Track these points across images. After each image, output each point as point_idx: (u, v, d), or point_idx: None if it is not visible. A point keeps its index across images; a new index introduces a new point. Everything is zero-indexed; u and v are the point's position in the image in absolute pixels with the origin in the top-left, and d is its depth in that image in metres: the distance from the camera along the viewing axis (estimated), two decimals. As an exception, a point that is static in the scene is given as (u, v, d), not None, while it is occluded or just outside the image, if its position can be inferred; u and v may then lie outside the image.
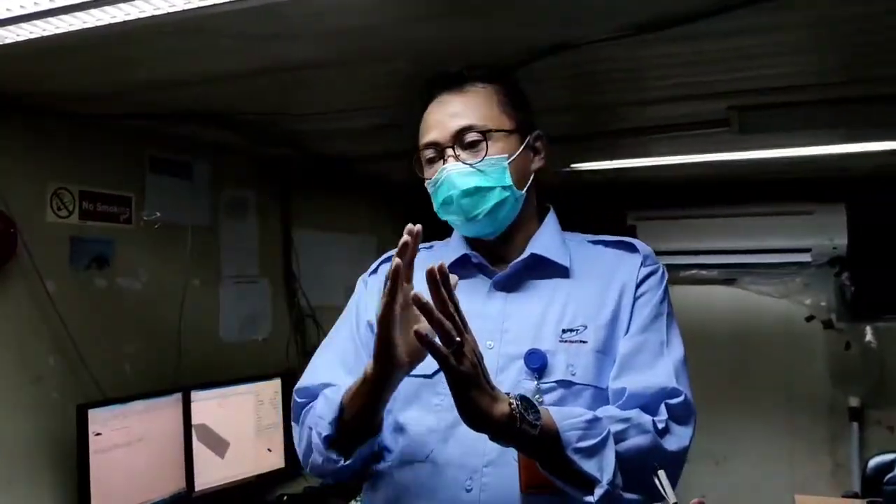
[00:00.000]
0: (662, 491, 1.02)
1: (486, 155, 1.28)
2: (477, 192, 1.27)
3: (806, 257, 3.64)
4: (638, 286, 1.30)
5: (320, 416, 1.24)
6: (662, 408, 1.20)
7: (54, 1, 1.36)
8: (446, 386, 1.22)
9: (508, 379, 1.23)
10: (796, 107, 2.18)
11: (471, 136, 1.29)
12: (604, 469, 1.09)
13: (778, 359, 3.76)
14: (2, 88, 2.01)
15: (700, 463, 3.88)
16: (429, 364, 1.25)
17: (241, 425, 2.64)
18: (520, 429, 1.03)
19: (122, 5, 1.38)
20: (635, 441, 1.14)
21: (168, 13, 1.40)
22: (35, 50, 1.59)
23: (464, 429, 1.18)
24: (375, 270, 1.47)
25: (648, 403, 1.20)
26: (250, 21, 1.49)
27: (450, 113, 1.31)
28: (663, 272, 1.34)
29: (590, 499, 1.08)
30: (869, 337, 3.59)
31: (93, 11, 1.41)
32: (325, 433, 1.22)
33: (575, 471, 1.08)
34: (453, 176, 1.27)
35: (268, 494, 2.76)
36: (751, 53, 1.75)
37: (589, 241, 1.40)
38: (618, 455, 1.10)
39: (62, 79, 1.92)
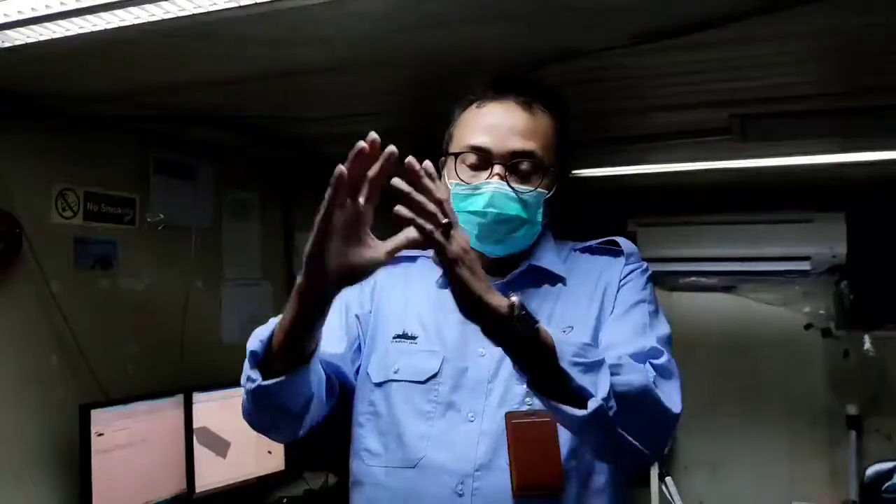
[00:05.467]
0: (669, 497, 1.02)
1: (536, 188, 1.25)
2: (511, 220, 1.24)
3: (805, 265, 3.65)
4: (620, 280, 1.30)
5: (255, 334, 1.16)
6: (648, 365, 1.15)
7: (64, 4, 1.37)
8: (439, 393, 1.24)
9: (500, 383, 1.23)
10: (798, 116, 2.19)
11: (527, 164, 1.24)
12: (598, 386, 1.05)
13: (777, 366, 3.77)
14: (8, 89, 2.02)
15: (698, 469, 3.88)
16: (421, 370, 1.27)
17: (241, 427, 2.61)
18: (516, 325, 1.00)
19: (131, 9, 1.39)
20: (629, 377, 1.09)
21: (177, 17, 1.41)
22: (43, 52, 1.60)
23: (455, 435, 1.21)
24: None
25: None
26: (258, 27, 1.50)
27: (514, 128, 1.25)
28: (646, 267, 1.34)
29: (581, 412, 1.03)
30: (867, 345, 3.59)
31: (102, 15, 1.42)
32: (251, 348, 1.14)
33: (567, 387, 1.04)
34: (496, 196, 1.22)
35: (268, 497, 2.77)
36: (753, 63, 1.76)
37: (577, 250, 1.39)
38: (612, 385, 1.06)
39: (69, 81, 1.93)
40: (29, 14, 1.41)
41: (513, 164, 1.24)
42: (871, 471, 2.84)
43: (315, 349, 1.13)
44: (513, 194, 1.23)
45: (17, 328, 2.15)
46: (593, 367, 1.06)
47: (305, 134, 2.63)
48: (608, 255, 1.35)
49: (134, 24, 1.44)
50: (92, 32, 1.49)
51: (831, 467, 3.68)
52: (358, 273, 1.02)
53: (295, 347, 1.10)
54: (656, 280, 1.37)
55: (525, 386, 1.16)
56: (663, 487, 1.04)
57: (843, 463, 3.65)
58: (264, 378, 1.11)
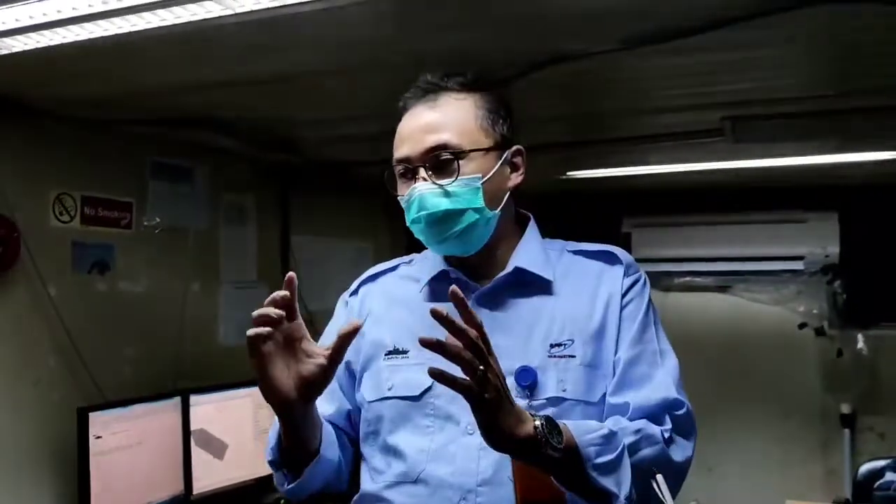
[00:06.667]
0: (661, 496, 1.03)
1: (457, 176, 1.21)
2: (445, 216, 1.21)
3: (799, 265, 3.68)
4: (623, 296, 1.28)
5: (269, 440, 1.27)
6: (667, 419, 1.19)
7: (61, 12, 1.38)
8: (435, 407, 1.23)
9: None
10: (790, 117, 2.21)
11: (444, 155, 1.21)
12: (621, 484, 1.08)
13: (770, 366, 3.79)
14: (6, 94, 2.03)
15: (692, 469, 3.87)
16: (414, 385, 1.25)
17: (239, 429, 2.66)
18: (543, 451, 1.02)
19: (129, 17, 1.40)
20: (646, 453, 1.14)
21: (174, 24, 1.42)
22: (40, 58, 1.61)
23: (455, 448, 1.20)
24: (356, 291, 1.42)
25: (653, 415, 1.19)
26: (255, 32, 1.51)
27: (423, 127, 1.23)
28: (645, 280, 1.32)
29: None
30: (860, 344, 3.62)
31: (100, 22, 1.43)
32: (268, 458, 1.26)
33: (592, 486, 1.07)
34: (423, 198, 1.21)
35: (265, 498, 2.77)
36: (745, 66, 1.78)
37: (569, 251, 1.35)
38: (631, 467, 1.11)
39: (66, 85, 1.94)
40: (27, 22, 1.42)
41: (431, 161, 1.22)
42: (864, 469, 2.86)
43: (321, 442, 1.23)
44: (437, 190, 1.21)
45: (15, 332, 2.16)
46: (615, 464, 1.09)
47: (301, 137, 2.64)
48: (603, 260, 1.32)
49: (132, 32, 1.46)
50: (89, 39, 1.50)
51: (825, 466, 3.71)
52: (313, 385, 1.11)
53: (300, 449, 1.21)
54: (651, 280, 1.35)
55: (525, 400, 1.18)
56: (654, 485, 1.05)
57: (836, 461, 3.67)
58: (292, 478, 1.22)
